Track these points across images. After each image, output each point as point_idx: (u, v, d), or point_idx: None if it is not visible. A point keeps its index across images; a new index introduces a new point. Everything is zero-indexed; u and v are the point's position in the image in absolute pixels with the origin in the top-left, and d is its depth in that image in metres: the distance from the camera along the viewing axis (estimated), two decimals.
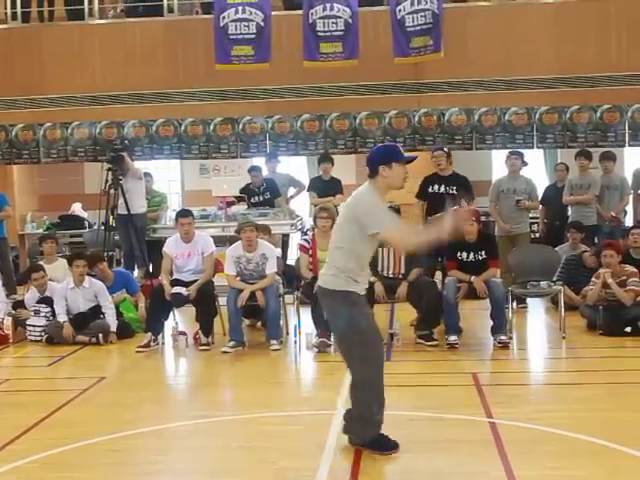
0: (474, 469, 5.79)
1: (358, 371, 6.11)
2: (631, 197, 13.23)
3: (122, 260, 13.72)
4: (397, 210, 10.36)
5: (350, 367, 6.18)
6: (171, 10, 15.99)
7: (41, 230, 16.58)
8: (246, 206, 13.69)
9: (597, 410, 7.16)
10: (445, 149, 11.85)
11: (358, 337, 6.04)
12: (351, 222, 6.01)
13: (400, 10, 14.44)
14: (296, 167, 17.21)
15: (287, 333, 10.64)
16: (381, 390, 6.14)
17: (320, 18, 14.60)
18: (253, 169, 14.22)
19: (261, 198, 13.80)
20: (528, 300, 11.96)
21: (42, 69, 15.66)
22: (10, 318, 11.24)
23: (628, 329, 10.14)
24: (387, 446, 6.05)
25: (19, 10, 16.07)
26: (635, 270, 10.38)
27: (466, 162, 14.95)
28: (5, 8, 16.11)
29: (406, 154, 6.27)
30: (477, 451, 6.20)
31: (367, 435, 6.11)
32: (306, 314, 10.30)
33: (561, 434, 6.47)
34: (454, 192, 11.23)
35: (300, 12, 14.72)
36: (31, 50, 15.72)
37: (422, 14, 14.32)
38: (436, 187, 11.47)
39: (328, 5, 14.52)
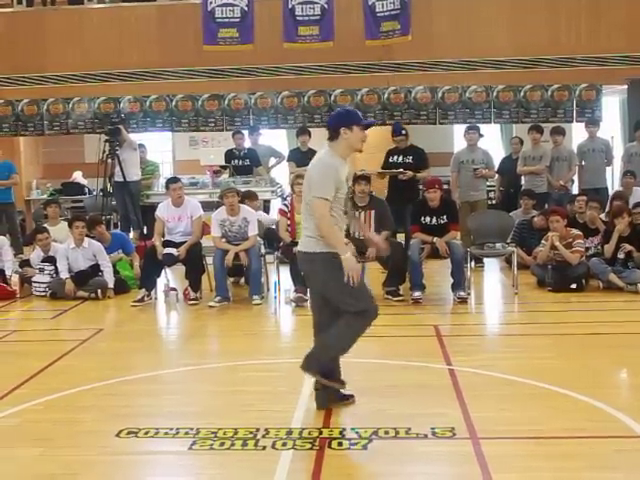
0: (435, 410, 5.82)
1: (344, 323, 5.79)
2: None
3: (119, 223, 13.65)
4: (367, 178, 10.34)
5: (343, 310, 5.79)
6: None
7: (45, 196, 16.47)
8: (228, 175, 13.62)
9: (544, 358, 7.20)
10: (403, 132, 12.04)
11: (345, 294, 5.69)
12: (309, 187, 5.78)
13: None
14: (276, 139, 17.11)
15: (268, 289, 10.63)
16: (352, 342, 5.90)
17: (299, 4, 14.52)
18: (237, 132, 14.30)
19: (241, 162, 13.76)
20: (485, 260, 11.99)
21: (45, 49, 15.48)
22: (17, 275, 11.22)
23: (573, 286, 10.21)
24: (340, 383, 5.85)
25: None
26: (580, 233, 10.42)
27: (430, 135, 14.97)
28: None
29: (365, 119, 6.05)
30: (438, 395, 6.24)
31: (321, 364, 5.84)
32: (285, 272, 10.31)
33: (512, 379, 6.53)
34: (410, 162, 11.79)
35: None
36: (35, 32, 15.53)
37: (391, 0, 14.28)
38: (395, 157, 11.94)
39: None
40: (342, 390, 6.03)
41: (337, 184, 5.69)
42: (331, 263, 5.66)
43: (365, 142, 5.93)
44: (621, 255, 10.24)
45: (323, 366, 5.87)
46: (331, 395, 5.94)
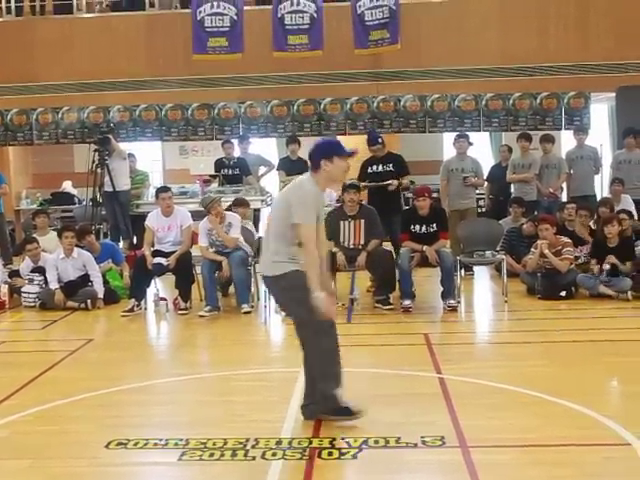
0: (425, 419, 5.83)
1: (315, 345, 5.75)
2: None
3: (108, 233, 13.64)
4: (357, 187, 10.36)
5: (307, 345, 5.80)
6: (152, 5, 15.90)
7: (35, 206, 16.42)
8: (217, 184, 13.62)
9: (534, 366, 7.22)
10: (380, 140, 11.66)
11: (310, 315, 5.58)
12: (285, 209, 5.66)
13: (360, 6, 14.45)
14: (266, 148, 17.12)
15: (258, 299, 10.63)
16: (338, 360, 5.81)
17: (288, 13, 14.55)
18: (227, 141, 14.29)
19: (231, 171, 13.78)
20: (474, 268, 12.00)
21: (34, 59, 15.45)
22: (6, 286, 11.15)
23: (563, 293, 10.25)
24: (349, 413, 5.72)
25: (13, 4, 16.03)
26: (569, 240, 10.46)
27: (419, 143, 15.00)
28: (0, 3, 16.03)
29: (347, 149, 5.90)
30: (428, 403, 6.25)
31: (329, 408, 5.78)
32: None
33: (502, 387, 6.54)
34: (391, 169, 11.44)
35: (270, 7, 14.66)
36: (24, 41, 15.50)
37: (380, 10, 14.34)
38: (375, 167, 11.53)
39: (295, 0, 14.49)
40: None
41: (317, 211, 5.72)
42: (295, 284, 5.62)
43: (347, 172, 5.93)
44: (607, 266, 10.20)
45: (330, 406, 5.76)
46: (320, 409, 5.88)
